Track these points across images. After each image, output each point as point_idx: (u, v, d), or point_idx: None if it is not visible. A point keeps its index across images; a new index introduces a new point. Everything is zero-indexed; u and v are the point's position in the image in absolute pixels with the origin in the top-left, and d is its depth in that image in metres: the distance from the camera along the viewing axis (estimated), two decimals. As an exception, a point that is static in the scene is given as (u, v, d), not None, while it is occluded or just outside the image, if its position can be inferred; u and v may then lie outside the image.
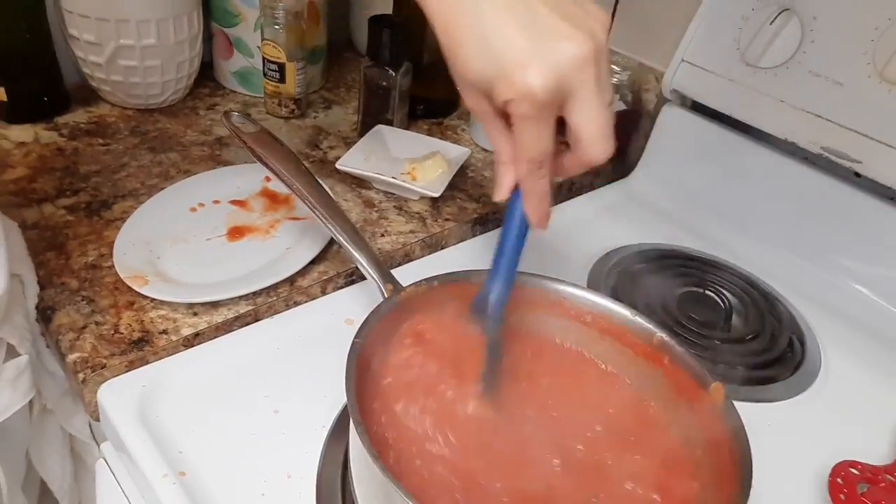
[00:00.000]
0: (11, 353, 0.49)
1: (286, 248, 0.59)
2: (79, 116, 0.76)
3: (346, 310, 0.55)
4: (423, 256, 0.65)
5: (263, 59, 0.78)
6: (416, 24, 0.71)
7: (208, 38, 0.83)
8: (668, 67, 0.73)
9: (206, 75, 0.85)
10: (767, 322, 0.60)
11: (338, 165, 0.68)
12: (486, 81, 0.34)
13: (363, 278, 0.55)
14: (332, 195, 0.54)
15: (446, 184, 0.68)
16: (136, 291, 0.52)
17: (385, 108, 0.77)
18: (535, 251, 0.65)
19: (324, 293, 0.58)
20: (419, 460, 0.37)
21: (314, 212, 0.50)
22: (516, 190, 0.39)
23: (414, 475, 0.36)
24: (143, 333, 0.50)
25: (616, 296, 0.60)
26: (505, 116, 0.36)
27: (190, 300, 0.52)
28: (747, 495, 0.33)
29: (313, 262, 0.58)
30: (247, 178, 0.66)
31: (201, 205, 0.63)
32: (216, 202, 0.64)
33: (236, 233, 0.60)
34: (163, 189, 0.64)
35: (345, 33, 0.99)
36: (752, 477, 0.35)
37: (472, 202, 0.71)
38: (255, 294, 0.54)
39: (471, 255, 0.65)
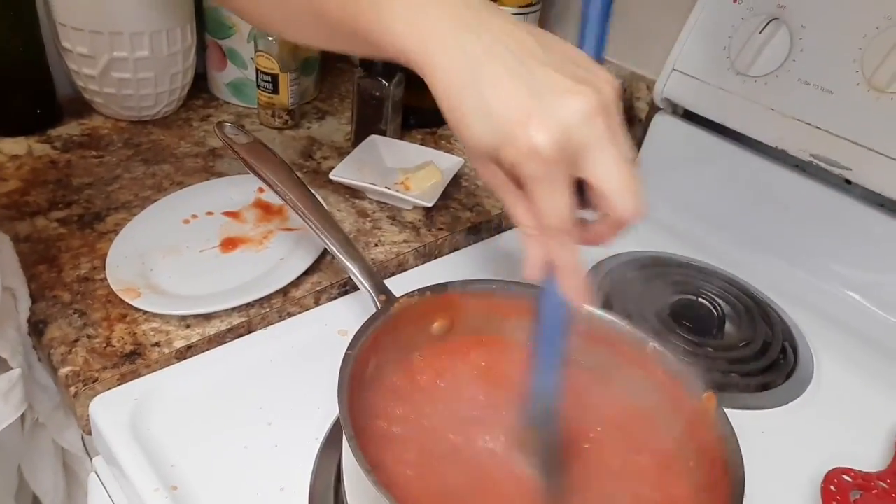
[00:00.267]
0: (3, 366, 0.49)
1: (279, 258, 0.59)
2: (72, 129, 0.76)
3: (340, 321, 0.55)
4: (416, 266, 0.65)
5: (257, 70, 0.78)
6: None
7: (202, 49, 0.83)
8: (659, 76, 0.73)
9: (200, 87, 0.85)
10: (760, 329, 0.60)
11: (331, 176, 0.68)
12: (492, 147, 0.33)
13: (357, 289, 0.55)
14: (325, 205, 0.54)
15: (440, 193, 0.68)
16: (128, 304, 0.52)
17: (378, 119, 0.77)
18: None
19: (317, 304, 0.58)
20: (412, 473, 0.37)
21: (307, 222, 0.50)
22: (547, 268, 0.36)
23: (407, 488, 0.36)
24: (136, 346, 0.50)
25: (609, 304, 0.60)
26: (520, 183, 0.34)
27: (182, 312, 0.52)
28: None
29: (307, 272, 0.58)
30: (240, 189, 0.66)
31: (194, 216, 0.63)
32: (209, 214, 0.64)
33: (229, 244, 0.60)
34: (156, 201, 0.64)
35: (338, 44, 1.00)
36: (744, 486, 0.35)
37: (465, 211, 0.71)
38: (249, 305, 0.54)
39: (465, 264, 0.65)
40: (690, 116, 0.74)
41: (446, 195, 0.70)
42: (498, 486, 0.38)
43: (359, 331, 0.40)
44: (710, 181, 0.74)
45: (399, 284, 0.53)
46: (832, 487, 0.46)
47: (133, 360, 0.49)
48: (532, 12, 0.82)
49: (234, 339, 0.53)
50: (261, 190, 0.66)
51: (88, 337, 0.51)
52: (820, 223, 0.66)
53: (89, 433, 0.48)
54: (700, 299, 0.63)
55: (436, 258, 0.66)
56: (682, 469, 0.40)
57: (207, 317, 0.53)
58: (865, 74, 0.59)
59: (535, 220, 0.34)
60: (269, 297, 0.55)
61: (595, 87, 0.32)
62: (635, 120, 0.82)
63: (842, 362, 0.59)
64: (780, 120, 0.65)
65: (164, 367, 0.50)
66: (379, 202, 0.70)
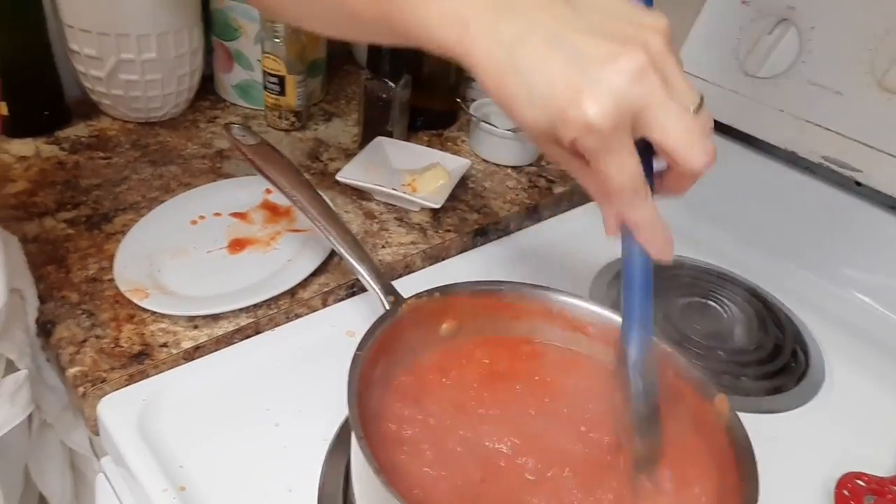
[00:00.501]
0: (10, 367, 0.49)
1: (287, 260, 0.59)
2: (80, 130, 0.76)
3: (348, 322, 0.55)
4: (424, 268, 0.64)
5: (264, 72, 0.78)
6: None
7: (209, 51, 0.83)
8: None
9: (207, 88, 0.85)
10: (771, 333, 0.60)
11: (338, 177, 0.68)
12: (548, 129, 0.32)
13: (364, 290, 0.55)
14: (332, 207, 0.53)
15: (447, 195, 0.68)
16: (136, 304, 0.52)
17: (385, 120, 0.77)
18: (537, 262, 0.66)
19: (325, 305, 0.58)
20: (421, 473, 0.37)
21: (315, 224, 0.50)
22: (625, 227, 0.35)
23: (416, 489, 0.36)
24: (144, 347, 0.50)
25: (619, 307, 0.60)
26: (581, 155, 0.33)
27: (190, 313, 0.52)
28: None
29: (314, 273, 0.58)
30: (247, 190, 0.66)
31: (202, 217, 0.63)
32: (217, 215, 0.63)
33: (237, 245, 0.60)
34: (163, 202, 0.64)
35: (345, 46, 1.00)
36: (758, 489, 0.35)
37: (472, 213, 0.71)
38: (256, 306, 0.54)
39: (472, 265, 0.65)
40: (699, 118, 0.74)
41: (453, 197, 0.70)
42: (506, 487, 0.38)
43: (367, 331, 0.40)
44: (719, 184, 0.73)
45: (406, 286, 0.52)
46: (846, 492, 0.46)
47: (141, 361, 0.49)
48: None
49: (242, 339, 0.53)
50: (268, 191, 0.66)
51: (97, 337, 0.51)
52: (830, 226, 0.66)
53: (97, 434, 0.47)
54: (710, 302, 0.63)
55: (443, 260, 0.66)
56: (694, 471, 0.40)
57: (215, 317, 0.53)
58: (876, 76, 0.58)
59: (604, 188, 0.33)
60: (276, 298, 0.55)
61: (640, 42, 0.31)
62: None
63: (853, 366, 0.59)
64: (789, 122, 0.65)
65: (172, 368, 0.49)
66: (386, 204, 0.70)
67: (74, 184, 0.67)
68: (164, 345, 0.51)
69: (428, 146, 0.78)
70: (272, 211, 0.65)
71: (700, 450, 0.40)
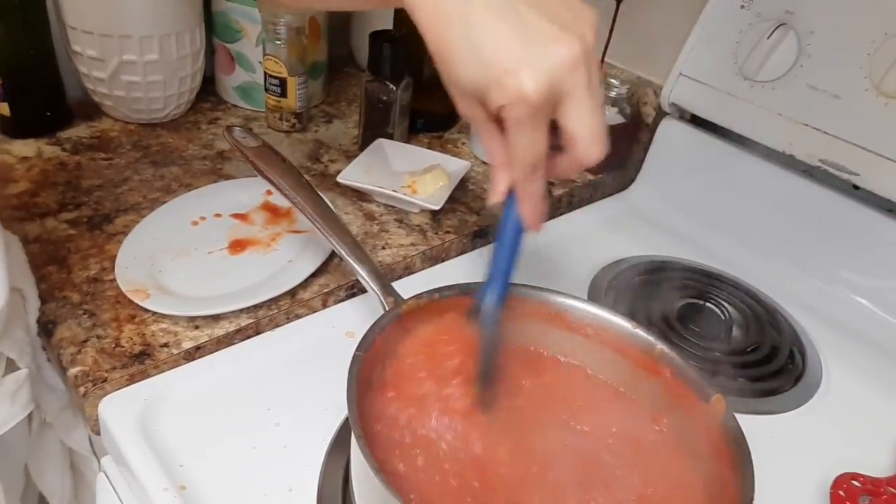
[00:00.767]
0: (11, 367, 0.49)
1: (287, 261, 0.59)
2: (81, 131, 0.76)
3: (347, 322, 0.55)
4: (423, 269, 0.65)
5: (265, 73, 0.78)
6: (416, 39, 0.71)
7: (210, 53, 0.84)
8: (666, 81, 0.74)
9: (208, 90, 0.86)
10: (768, 334, 0.60)
11: (339, 179, 0.68)
12: (479, 88, 0.34)
13: (364, 291, 0.55)
14: (332, 208, 0.54)
15: (447, 197, 0.68)
16: (137, 305, 0.52)
17: (386, 122, 0.77)
18: (535, 263, 0.66)
19: (325, 306, 0.58)
20: (421, 473, 0.37)
21: (315, 225, 0.50)
22: (511, 193, 0.39)
23: (415, 488, 0.36)
24: (145, 347, 0.50)
25: (616, 308, 0.60)
26: (499, 122, 0.36)
27: (191, 313, 0.52)
28: (749, 508, 0.33)
29: (314, 274, 0.58)
30: (248, 191, 0.66)
31: (203, 218, 0.63)
32: (218, 216, 0.64)
33: (238, 246, 0.61)
34: (164, 203, 0.64)
35: (346, 48, 1.00)
36: (754, 489, 0.35)
37: (472, 215, 0.71)
38: (257, 307, 0.55)
39: (471, 267, 0.65)
40: (698, 121, 0.74)
41: (453, 198, 0.70)
42: (504, 489, 0.38)
43: (367, 332, 0.40)
44: (717, 186, 0.74)
45: (406, 287, 0.53)
46: (841, 493, 0.46)
47: (142, 361, 0.49)
48: None
49: (243, 340, 0.53)
50: (269, 192, 0.67)
51: (98, 337, 0.51)
52: (828, 228, 0.66)
53: (98, 433, 0.48)
54: (708, 304, 0.63)
55: (443, 261, 0.66)
56: (690, 471, 0.40)
57: (216, 318, 0.53)
58: (874, 80, 0.59)
59: (510, 156, 0.36)
60: (276, 299, 0.55)
61: (579, 34, 0.33)
62: (642, 125, 0.83)
63: (850, 368, 0.59)
64: (787, 125, 0.65)
65: (172, 368, 0.50)
66: (386, 205, 0.70)
67: (76, 184, 0.67)
68: (165, 345, 0.51)
69: (428, 148, 0.79)
70: (273, 212, 0.65)
71: (696, 449, 0.41)
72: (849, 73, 0.60)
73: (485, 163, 0.80)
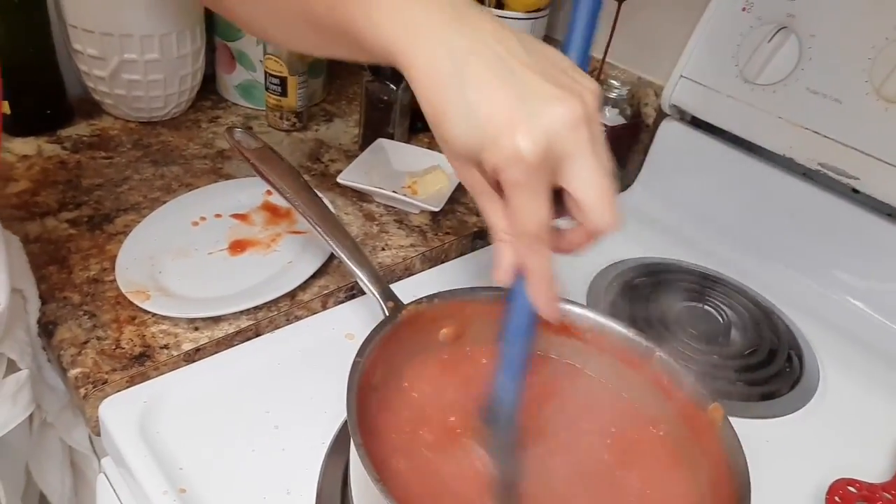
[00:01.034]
0: (12, 367, 0.49)
1: (287, 262, 0.59)
2: (82, 129, 0.76)
3: (347, 324, 0.55)
4: (423, 270, 0.65)
5: (265, 72, 0.78)
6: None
7: (211, 51, 0.84)
8: (667, 82, 0.73)
9: (209, 88, 0.86)
10: (766, 337, 0.60)
11: (339, 180, 0.68)
12: (474, 150, 0.32)
13: (364, 293, 0.55)
14: (333, 210, 0.54)
15: (447, 198, 0.68)
16: (137, 306, 0.53)
17: (386, 122, 0.77)
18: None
19: (324, 308, 0.58)
20: (419, 479, 0.37)
21: (316, 229, 0.50)
22: (518, 274, 0.36)
23: (415, 492, 0.36)
24: (145, 348, 0.51)
25: (615, 311, 0.60)
26: (498, 187, 0.34)
27: (191, 315, 0.53)
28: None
29: (314, 276, 0.58)
30: (248, 191, 0.67)
31: (203, 218, 0.63)
32: (218, 216, 0.64)
33: (238, 247, 0.61)
34: (165, 203, 0.64)
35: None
36: (749, 496, 0.35)
37: (472, 216, 0.71)
38: (256, 309, 0.55)
39: (471, 269, 0.65)
40: (698, 123, 0.74)
41: (453, 199, 0.70)
42: (503, 490, 0.38)
43: (367, 338, 0.40)
44: (717, 188, 0.74)
45: (406, 289, 0.53)
46: (837, 498, 0.46)
47: (142, 363, 0.50)
48: (540, 17, 0.82)
49: (242, 342, 0.53)
50: (269, 192, 0.67)
51: (98, 339, 0.51)
52: (827, 232, 0.66)
53: (98, 434, 0.48)
54: (706, 307, 0.63)
55: (442, 262, 0.66)
56: (686, 478, 0.40)
57: (216, 320, 0.53)
58: (874, 84, 0.59)
59: (511, 225, 0.34)
60: (276, 301, 0.56)
61: (579, 95, 0.32)
62: (643, 126, 0.82)
63: (847, 372, 0.60)
64: (788, 128, 0.65)
65: (172, 370, 0.50)
66: (386, 205, 0.70)
67: (76, 183, 0.67)
68: (165, 346, 0.51)
69: (429, 148, 0.79)
70: (273, 212, 0.65)
71: (693, 456, 0.41)
72: (849, 77, 0.60)
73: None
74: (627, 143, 0.83)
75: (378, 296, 0.47)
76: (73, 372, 0.48)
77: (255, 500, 0.42)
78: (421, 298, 0.44)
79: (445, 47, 0.32)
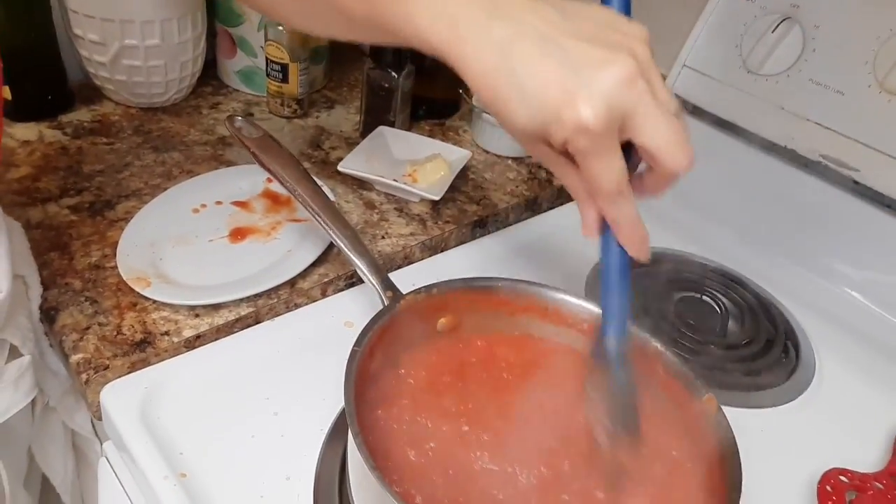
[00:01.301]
0: (14, 353, 0.50)
1: (287, 250, 0.60)
2: (83, 115, 0.76)
3: (347, 313, 0.56)
4: (423, 259, 0.65)
5: (267, 59, 0.78)
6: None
7: (212, 37, 0.83)
8: (669, 72, 0.73)
9: (210, 74, 0.85)
10: (763, 328, 0.61)
11: (339, 168, 0.68)
12: (539, 129, 0.33)
13: (364, 281, 0.55)
14: (333, 197, 0.54)
15: (447, 186, 0.68)
16: (138, 292, 0.53)
17: (387, 110, 0.77)
18: (535, 254, 0.66)
19: (324, 296, 0.59)
20: (416, 467, 0.38)
21: (316, 218, 0.51)
22: (605, 225, 0.37)
23: (412, 484, 0.37)
24: (146, 335, 0.51)
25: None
26: (569, 156, 0.34)
27: (192, 302, 0.53)
28: (736, 507, 0.34)
29: (314, 264, 0.59)
30: (249, 178, 0.67)
31: (203, 206, 0.63)
32: (218, 203, 0.64)
33: (238, 234, 0.61)
34: (166, 189, 0.64)
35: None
36: (741, 489, 0.36)
37: (472, 204, 0.71)
38: (257, 296, 0.55)
39: (471, 258, 0.65)
40: (700, 113, 0.74)
41: (453, 188, 0.71)
42: (501, 482, 0.39)
43: (365, 327, 0.41)
44: (717, 178, 0.74)
45: (405, 277, 0.53)
46: (828, 488, 0.47)
47: (143, 349, 0.50)
48: None
49: (243, 329, 0.54)
50: (269, 180, 0.67)
51: (99, 325, 0.51)
52: (826, 223, 0.66)
53: (100, 419, 0.49)
54: (704, 297, 0.63)
55: (442, 251, 0.67)
56: (680, 468, 0.41)
57: (216, 307, 0.54)
58: (877, 77, 0.59)
59: (590, 188, 0.35)
60: (276, 289, 0.56)
61: (629, 49, 0.32)
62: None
63: (843, 362, 0.60)
64: (790, 119, 0.65)
65: (173, 356, 0.50)
66: (386, 194, 0.70)
67: (77, 169, 0.68)
68: (166, 333, 0.51)
69: (430, 136, 0.79)
70: (273, 200, 0.65)
71: (686, 445, 0.41)
72: (853, 69, 0.60)
73: (486, 151, 0.80)
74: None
75: (377, 285, 0.47)
76: (75, 358, 0.49)
77: (254, 486, 0.43)
78: (419, 288, 0.45)
79: (487, 37, 0.32)
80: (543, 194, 0.75)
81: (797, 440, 0.52)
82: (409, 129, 0.80)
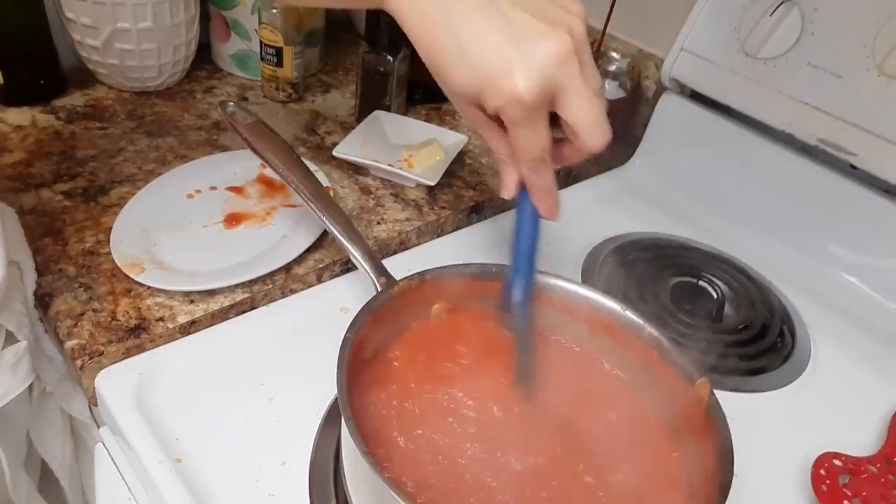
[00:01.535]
0: (10, 339, 0.50)
1: (282, 235, 0.59)
2: (76, 99, 0.76)
3: (342, 298, 0.56)
4: (419, 244, 0.65)
5: (261, 42, 0.77)
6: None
7: (205, 20, 0.82)
8: (667, 55, 0.73)
9: (204, 58, 0.85)
10: (759, 312, 0.61)
11: (335, 153, 0.68)
12: (474, 93, 0.34)
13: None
14: (328, 186, 0.54)
15: (443, 171, 0.68)
16: (133, 278, 0.53)
17: (383, 94, 0.77)
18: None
19: (319, 281, 0.59)
20: (409, 453, 0.38)
21: (309, 205, 0.50)
22: (522, 187, 0.40)
23: (405, 471, 0.37)
24: (140, 321, 0.51)
25: (610, 285, 0.61)
26: (499, 121, 0.36)
27: (186, 288, 0.53)
28: (726, 494, 0.34)
29: (309, 249, 0.59)
30: (243, 164, 0.66)
31: (198, 191, 0.63)
32: (213, 188, 0.64)
33: (233, 220, 0.61)
34: (160, 175, 0.64)
35: (343, 15, 0.99)
36: (733, 474, 0.36)
37: (468, 189, 0.71)
38: (252, 282, 0.55)
39: (467, 243, 0.65)
40: (698, 97, 0.73)
41: (449, 173, 0.70)
42: (494, 468, 0.39)
43: (358, 314, 0.41)
44: (715, 163, 0.73)
45: (401, 263, 0.53)
46: (822, 472, 0.47)
47: (138, 335, 0.50)
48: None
49: (238, 315, 0.54)
50: (264, 165, 0.66)
51: (94, 311, 0.51)
52: (824, 207, 0.66)
53: (96, 405, 0.49)
54: (701, 282, 0.63)
55: (438, 237, 0.66)
56: (674, 454, 0.41)
57: (211, 293, 0.54)
58: (876, 60, 0.58)
59: (515, 153, 0.37)
60: (271, 274, 0.56)
61: (567, 26, 0.33)
62: (643, 99, 0.82)
63: (839, 347, 0.60)
64: (788, 103, 0.64)
65: (168, 342, 0.50)
66: (382, 179, 0.70)
67: (71, 154, 0.67)
68: (161, 319, 0.51)
69: (426, 120, 0.78)
70: (268, 185, 0.65)
71: (680, 429, 0.42)
72: (851, 53, 0.60)
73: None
74: (627, 117, 0.82)
75: (370, 272, 0.47)
76: (70, 344, 0.49)
77: (250, 471, 0.43)
78: (413, 275, 0.44)
79: None
80: (540, 179, 0.75)
81: (792, 424, 0.52)
82: (404, 114, 0.79)
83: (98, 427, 0.52)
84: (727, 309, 0.62)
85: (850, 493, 0.45)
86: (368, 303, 0.42)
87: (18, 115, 0.72)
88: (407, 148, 0.71)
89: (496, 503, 0.37)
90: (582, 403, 0.44)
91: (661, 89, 0.77)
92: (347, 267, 0.60)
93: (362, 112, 0.77)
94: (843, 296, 0.65)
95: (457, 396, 0.42)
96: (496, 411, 0.42)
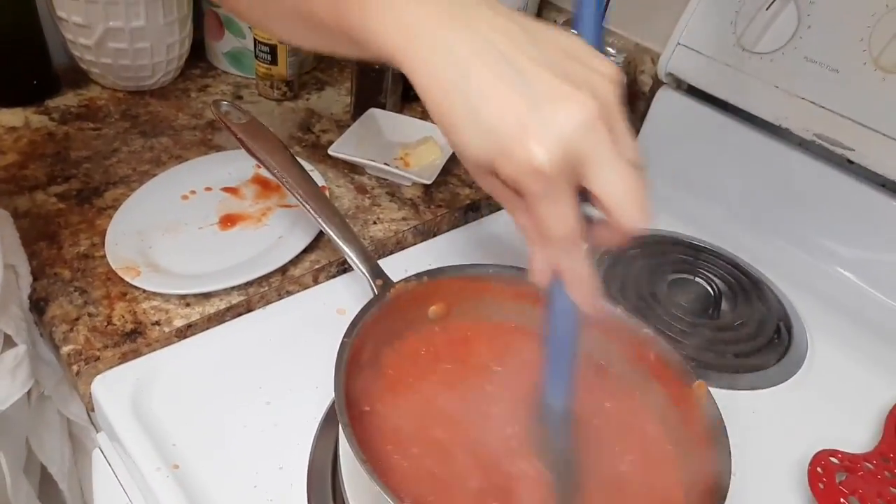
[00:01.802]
0: (8, 343, 0.50)
1: (278, 236, 0.59)
2: (69, 100, 0.75)
3: (338, 299, 0.55)
4: (415, 244, 0.65)
5: (255, 40, 0.77)
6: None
7: (199, 17, 0.82)
8: (664, 50, 0.72)
9: (198, 56, 0.84)
10: (756, 309, 0.61)
11: (330, 152, 0.68)
12: (487, 159, 0.30)
13: (354, 268, 0.55)
14: (323, 185, 0.53)
15: (439, 170, 0.68)
16: (128, 282, 0.53)
17: (378, 91, 0.76)
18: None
19: (316, 282, 0.59)
20: (406, 457, 0.38)
21: (304, 206, 0.50)
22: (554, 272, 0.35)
23: (401, 473, 0.37)
24: (136, 325, 0.51)
25: (606, 282, 0.60)
26: (520, 193, 0.31)
27: (182, 291, 0.53)
28: (724, 496, 0.34)
29: (306, 250, 0.58)
30: (238, 164, 0.66)
31: (193, 192, 0.63)
32: (208, 189, 0.63)
33: (228, 221, 0.61)
34: (154, 176, 0.64)
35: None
36: (730, 474, 0.36)
37: (465, 188, 0.71)
38: (248, 284, 0.55)
39: (463, 242, 0.65)
40: (694, 92, 0.73)
41: (446, 171, 0.70)
42: (493, 474, 0.39)
43: (355, 317, 0.40)
44: (711, 158, 0.73)
45: (398, 263, 0.53)
46: (819, 469, 0.47)
47: (134, 339, 0.50)
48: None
49: (234, 317, 0.54)
50: (258, 165, 0.66)
51: (89, 315, 0.51)
52: (820, 203, 0.66)
53: (93, 409, 0.49)
54: (697, 279, 0.63)
55: (435, 236, 0.66)
56: (670, 453, 0.41)
57: (207, 296, 0.54)
58: (872, 54, 0.58)
59: (539, 232, 0.32)
60: (268, 276, 0.56)
61: (592, 88, 0.29)
62: (639, 94, 0.81)
63: (835, 343, 0.60)
64: (784, 98, 0.64)
65: (164, 346, 0.50)
66: (378, 178, 0.70)
67: (65, 156, 0.67)
68: (157, 323, 0.51)
69: (421, 118, 0.78)
70: (263, 186, 0.65)
71: (677, 430, 0.42)
72: (848, 47, 0.59)
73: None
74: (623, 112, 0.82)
75: (367, 273, 0.47)
76: (66, 349, 0.49)
77: (247, 476, 0.43)
78: (410, 276, 0.44)
79: (445, 52, 0.30)
80: (536, 176, 0.75)
81: (788, 421, 0.52)
82: (400, 111, 0.79)
83: (96, 431, 0.52)
84: (724, 305, 0.62)
85: (846, 491, 0.45)
86: (366, 306, 0.41)
87: (11, 116, 0.71)
88: (403, 146, 0.71)
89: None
90: (579, 404, 0.44)
91: (657, 84, 0.77)
92: (344, 268, 0.60)
93: (357, 110, 0.76)
94: (839, 292, 0.65)
95: (455, 401, 0.42)
96: (494, 416, 0.42)
